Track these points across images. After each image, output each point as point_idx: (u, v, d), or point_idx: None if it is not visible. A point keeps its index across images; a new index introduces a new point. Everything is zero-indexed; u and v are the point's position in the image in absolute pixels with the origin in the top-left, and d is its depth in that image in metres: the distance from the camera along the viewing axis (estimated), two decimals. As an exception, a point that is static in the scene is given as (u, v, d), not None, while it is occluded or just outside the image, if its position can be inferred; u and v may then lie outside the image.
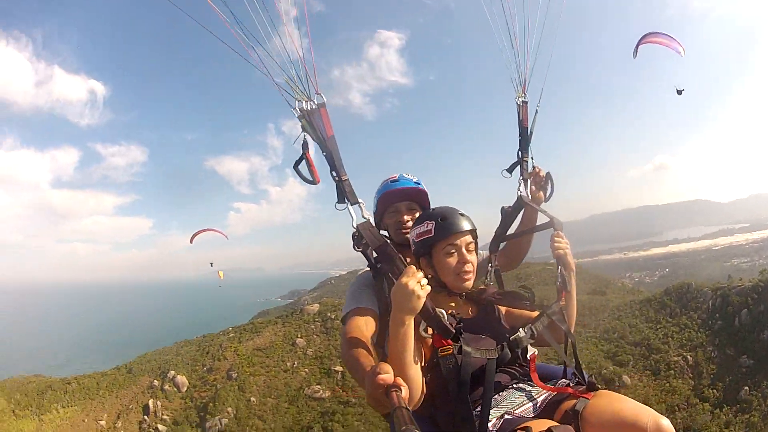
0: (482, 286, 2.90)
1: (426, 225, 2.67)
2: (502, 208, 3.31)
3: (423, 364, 2.33)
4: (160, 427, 50.35)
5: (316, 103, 2.63)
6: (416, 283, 2.17)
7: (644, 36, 17.95)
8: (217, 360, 59.01)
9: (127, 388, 54.91)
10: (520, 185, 3.39)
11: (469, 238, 2.68)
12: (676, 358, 45.73)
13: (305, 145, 2.64)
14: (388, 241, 2.63)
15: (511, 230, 3.34)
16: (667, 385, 43.63)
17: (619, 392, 2.35)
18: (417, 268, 2.24)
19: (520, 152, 3.50)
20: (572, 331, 2.69)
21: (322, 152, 2.64)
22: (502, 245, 3.30)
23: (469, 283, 2.68)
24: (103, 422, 50.49)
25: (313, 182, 2.66)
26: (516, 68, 3.49)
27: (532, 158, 3.50)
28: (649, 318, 53.68)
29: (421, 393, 2.27)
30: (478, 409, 2.28)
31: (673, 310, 52.49)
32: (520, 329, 2.52)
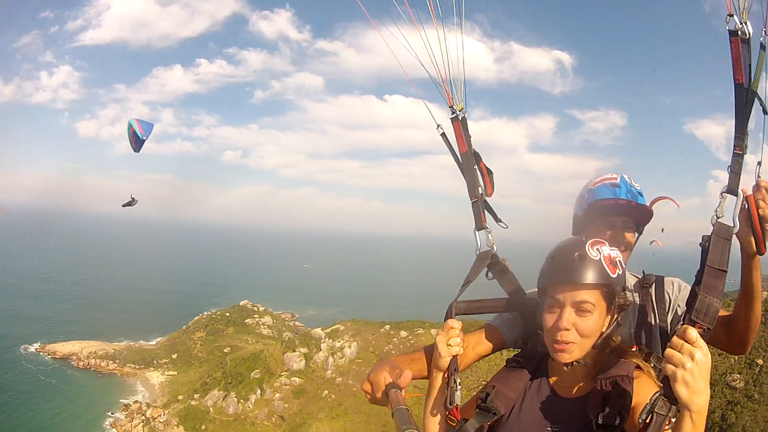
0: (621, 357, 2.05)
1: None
2: (702, 239, 2.05)
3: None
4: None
5: (450, 115, 2.64)
6: (444, 341, 2.22)
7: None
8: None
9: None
10: (720, 203, 2.05)
11: (582, 295, 2.00)
12: None
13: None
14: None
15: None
16: None
17: None
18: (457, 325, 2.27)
19: (735, 128, 2.11)
20: None
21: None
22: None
23: (564, 356, 2.04)
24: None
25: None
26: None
27: (759, 164, 2.21)
28: None
29: None
30: None
31: None
32: None
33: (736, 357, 34.87)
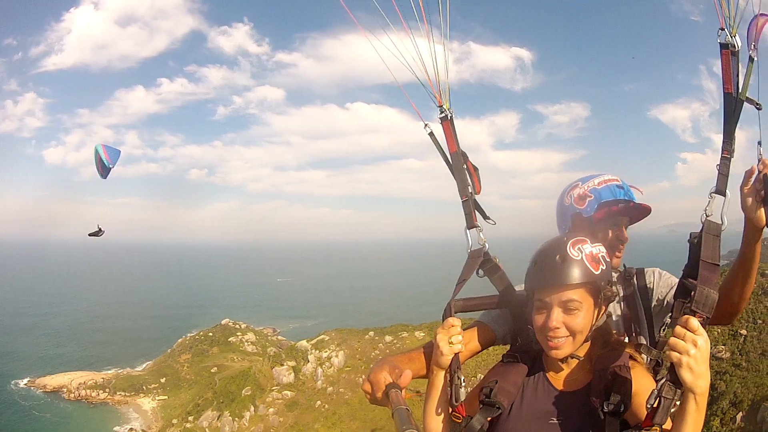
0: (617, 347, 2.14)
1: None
2: (690, 236, 2.22)
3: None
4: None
5: (440, 115, 2.64)
6: (446, 339, 2.22)
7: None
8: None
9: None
10: (709, 203, 2.17)
11: (568, 295, 2.08)
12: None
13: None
14: None
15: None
16: None
17: None
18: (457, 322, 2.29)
19: (723, 134, 2.26)
20: None
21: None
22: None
23: (559, 353, 2.13)
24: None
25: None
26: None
27: (760, 143, 2.35)
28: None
29: None
30: None
31: None
32: None
33: (719, 329, 35.81)
